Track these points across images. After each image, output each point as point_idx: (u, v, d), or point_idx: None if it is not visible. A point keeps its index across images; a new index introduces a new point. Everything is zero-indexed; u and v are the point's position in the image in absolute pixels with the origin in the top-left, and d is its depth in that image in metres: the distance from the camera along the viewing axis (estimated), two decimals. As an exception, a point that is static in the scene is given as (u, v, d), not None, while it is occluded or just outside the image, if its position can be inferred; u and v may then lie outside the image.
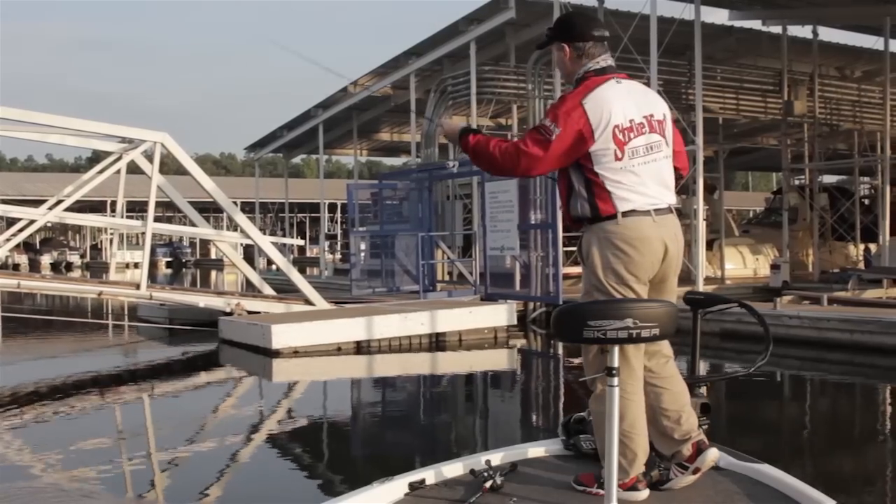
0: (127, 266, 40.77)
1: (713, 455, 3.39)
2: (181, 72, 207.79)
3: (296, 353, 12.76)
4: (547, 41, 3.53)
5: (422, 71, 23.15)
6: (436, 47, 21.78)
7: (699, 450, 3.39)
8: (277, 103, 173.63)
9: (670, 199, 3.41)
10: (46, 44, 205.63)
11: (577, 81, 3.40)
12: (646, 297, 3.31)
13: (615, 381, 2.86)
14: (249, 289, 18.03)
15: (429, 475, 3.49)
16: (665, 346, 3.48)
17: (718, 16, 20.23)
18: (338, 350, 13.12)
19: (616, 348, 2.85)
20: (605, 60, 3.42)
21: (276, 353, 12.63)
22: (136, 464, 7.26)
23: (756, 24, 20.71)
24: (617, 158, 3.28)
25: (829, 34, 22.33)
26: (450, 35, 20.96)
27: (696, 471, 3.38)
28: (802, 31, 21.76)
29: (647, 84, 16.06)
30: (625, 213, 3.28)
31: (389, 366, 13.00)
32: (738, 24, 20.66)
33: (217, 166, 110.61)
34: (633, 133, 3.31)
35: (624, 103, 3.32)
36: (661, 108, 3.47)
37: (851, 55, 23.88)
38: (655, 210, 3.32)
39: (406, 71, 22.96)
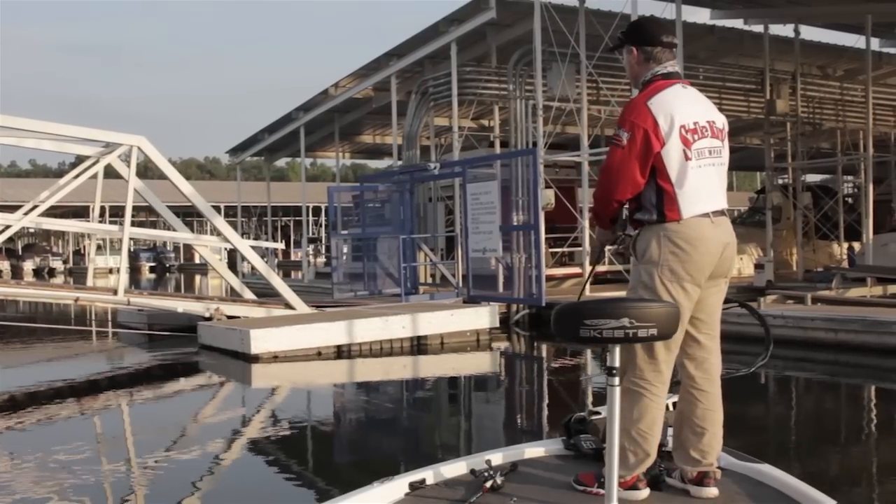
0: (110, 271, 40.47)
1: (710, 493, 3.33)
2: (165, 76, 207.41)
3: (275, 357, 12.62)
4: (618, 44, 3.63)
5: (403, 72, 23.03)
6: (416, 48, 21.64)
7: (702, 481, 3.35)
8: (263, 106, 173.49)
9: (724, 202, 3.49)
10: (27, 48, 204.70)
11: (644, 84, 3.48)
12: (695, 298, 3.37)
13: (615, 381, 2.86)
14: (232, 293, 17.87)
15: (429, 475, 3.49)
16: (715, 360, 3.56)
17: (700, 15, 20.25)
18: (318, 354, 12.98)
19: (617, 348, 2.85)
20: (672, 66, 3.51)
21: (255, 359, 12.49)
22: (115, 472, 7.10)
23: (738, 24, 20.73)
24: (687, 158, 3.34)
25: (810, 33, 22.36)
26: (430, 36, 20.83)
27: (688, 489, 3.38)
28: (784, 30, 21.79)
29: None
30: (687, 216, 3.33)
31: (371, 370, 12.86)
32: (719, 23, 20.66)
33: (202, 170, 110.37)
34: (698, 135, 3.38)
35: (688, 106, 3.41)
36: (721, 119, 3.54)
37: (833, 54, 23.89)
38: (713, 212, 3.39)
39: (387, 72, 22.84)
